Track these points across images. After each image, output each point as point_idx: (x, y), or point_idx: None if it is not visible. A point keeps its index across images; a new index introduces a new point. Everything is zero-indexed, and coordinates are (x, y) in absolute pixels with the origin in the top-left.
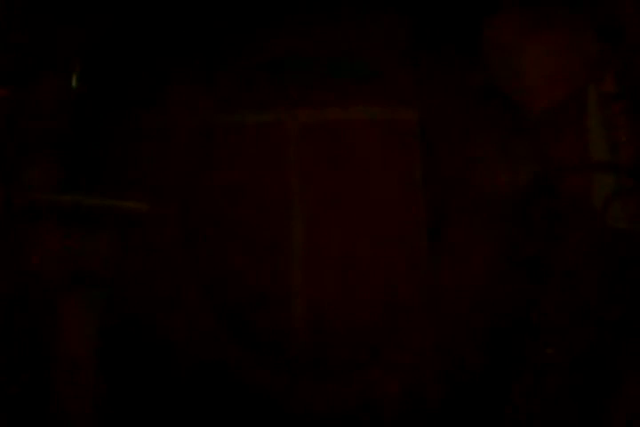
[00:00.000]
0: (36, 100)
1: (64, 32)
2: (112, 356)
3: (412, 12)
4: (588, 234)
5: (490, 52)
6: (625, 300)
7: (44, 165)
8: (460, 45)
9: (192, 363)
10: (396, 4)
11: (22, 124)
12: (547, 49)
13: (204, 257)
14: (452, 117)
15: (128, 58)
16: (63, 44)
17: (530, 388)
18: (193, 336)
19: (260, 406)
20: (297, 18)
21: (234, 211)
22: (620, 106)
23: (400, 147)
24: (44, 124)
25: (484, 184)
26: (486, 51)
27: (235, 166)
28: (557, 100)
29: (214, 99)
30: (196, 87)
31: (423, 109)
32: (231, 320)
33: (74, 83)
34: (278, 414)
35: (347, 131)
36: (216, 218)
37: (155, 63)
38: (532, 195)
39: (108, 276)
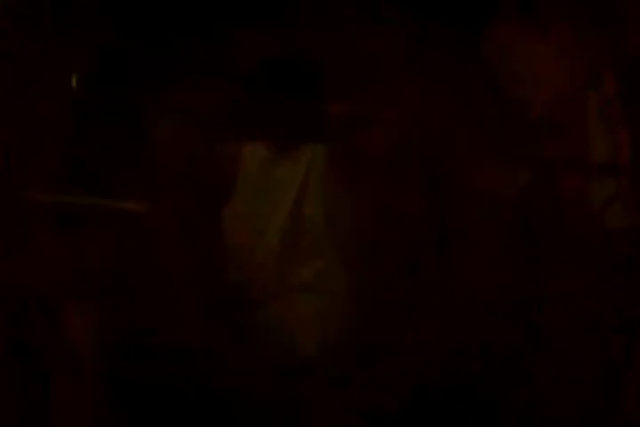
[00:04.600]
0: (37, 102)
1: (67, 34)
2: (111, 357)
3: (414, 14)
4: (587, 234)
5: (491, 53)
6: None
7: (44, 165)
8: (460, 46)
9: (189, 363)
10: (399, 6)
11: (23, 125)
12: (547, 50)
13: (203, 257)
14: (453, 118)
15: (128, 61)
16: (64, 45)
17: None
18: (191, 337)
19: (253, 408)
20: (297, 18)
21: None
22: (620, 106)
23: (400, 147)
24: (44, 125)
25: (484, 184)
26: (487, 52)
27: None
28: (557, 100)
29: (214, 101)
30: (194, 90)
31: (423, 110)
32: (230, 320)
33: (74, 83)
34: (273, 417)
35: (346, 131)
36: (216, 218)
37: (154, 67)
38: (531, 195)
39: (107, 276)
